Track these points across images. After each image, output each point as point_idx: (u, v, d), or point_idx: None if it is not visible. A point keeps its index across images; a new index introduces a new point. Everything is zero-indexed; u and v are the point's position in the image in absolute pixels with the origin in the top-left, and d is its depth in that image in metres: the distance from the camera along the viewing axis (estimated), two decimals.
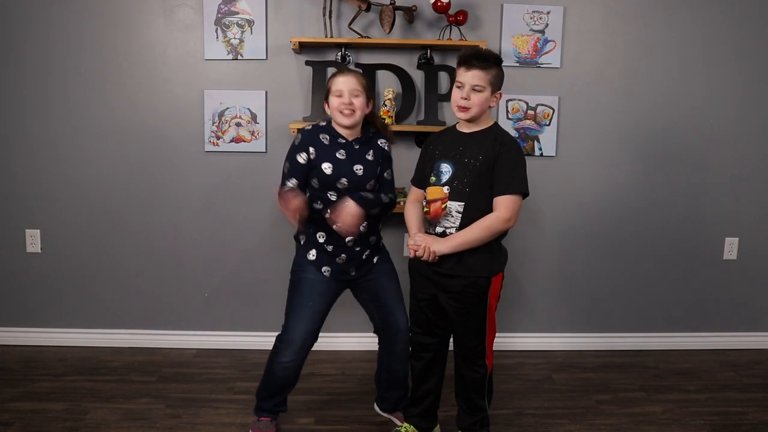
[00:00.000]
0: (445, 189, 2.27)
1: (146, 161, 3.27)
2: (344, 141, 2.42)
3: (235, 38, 3.18)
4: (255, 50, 3.18)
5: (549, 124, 3.31)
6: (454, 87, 2.27)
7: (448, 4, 3.01)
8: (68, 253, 3.33)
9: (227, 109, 3.22)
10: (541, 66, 3.27)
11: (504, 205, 2.21)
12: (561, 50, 3.26)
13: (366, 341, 3.36)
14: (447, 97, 3.23)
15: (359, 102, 2.37)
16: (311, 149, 2.38)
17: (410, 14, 3.10)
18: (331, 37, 3.08)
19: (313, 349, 3.27)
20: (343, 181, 2.38)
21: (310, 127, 2.44)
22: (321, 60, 3.17)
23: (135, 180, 3.28)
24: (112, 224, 3.31)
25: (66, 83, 3.19)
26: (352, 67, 3.19)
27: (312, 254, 2.44)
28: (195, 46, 3.19)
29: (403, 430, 2.53)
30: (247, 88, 3.20)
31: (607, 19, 3.26)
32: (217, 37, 3.17)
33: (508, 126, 3.27)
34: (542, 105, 3.29)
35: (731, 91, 3.36)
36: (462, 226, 2.24)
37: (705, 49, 3.31)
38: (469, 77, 2.21)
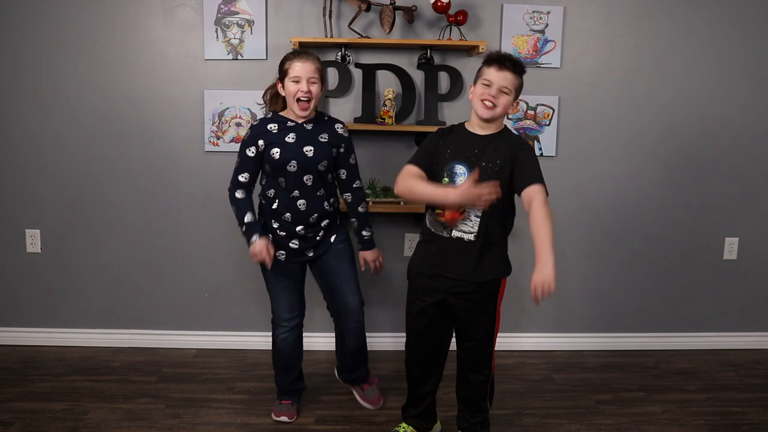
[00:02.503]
0: None
1: (146, 161, 3.27)
2: (294, 123, 2.48)
3: (235, 38, 3.18)
4: (255, 50, 3.18)
5: (549, 124, 3.31)
6: (479, 83, 2.23)
7: (448, 4, 3.01)
8: (68, 253, 3.33)
9: (227, 109, 3.22)
10: (541, 66, 3.27)
11: (539, 190, 2.18)
12: (561, 50, 3.26)
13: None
14: (447, 97, 3.24)
15: (316, 89, 2.43)
16: (260, 141, 2.45)
17: (410, 14, 3.10)
18: (331, 37, 3.08)
19: (312, 348, 3.29)
20: (293, 164, 2.43)
21: (257, 122, 2.53)
22: (321, 60, 3.16)
23: (135, 180, 3.28)
24: (112, 224, 3.31)
25: (66, 83, 3.19)
26: (351, 67, 3.19)
27: (269, 237, 2.52)
28: (195, 46, 3.19)
29: (401, 430, 2.53)
30: (247, 88, 3.20)
31: (607, 19, 3.26)
32: (217, 37, 3.17)
33: (508, 126, 3.26)
34: (542, 105, 3.29)
35: (732, 91, 3.36)
36: (481, 232, 2.22)
37: (705, 48, 3.31)
38: (500, 78, 2.19)
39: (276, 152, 2.43)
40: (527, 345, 3.47)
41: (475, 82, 2.27)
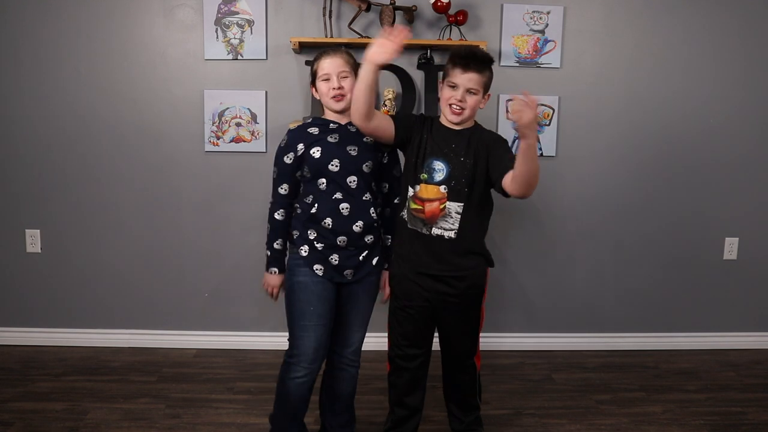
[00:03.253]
0: (442, 188, 2.19)
1: (146, 161, 3.27)
2: (337, 125, 2.25)
3: (235, 38, 3.18)
4: (255, 50, 3.18)
5: (549, 124, 3.31)
6: (446, 85, 2.19)
7: (448, 4, 3.01)
8: (68, 253, 3.33)
9: (227, 109, 3.22)
10: (541, 66, 3.27)
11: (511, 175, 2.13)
12: (561, 50, 3.26)
13: (365, 341, 3.35)
14: None
15: (349, 83, 2.20)
16: (299, 146, 2.22)
17: (410, 14, 3.10)
18: (331, 37, 3.08)
19: None
20: (335, 162, 2.19)
21: (296, 127, 2.30)
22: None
23: (135, 180, 3.28)
24: (112, 224, 3.31)
25: (66, 83, 3.19)
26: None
27: (304, 250, 2.24)
28: (195, 46, 3.19)
29: None
30: (247, 88, 3.20)
31: (607, 19, 3.26)
32: (217, 37, 3.17)
33: (508, 126, 3.27)
34: (542, 105, 3.29)
35: (732, 91, 3.36)
36: (461, 228, 2.19)
37: (705, 48, 3.31)
38: (465, 80, 2.14)
39: (317, 151, 2.19)
40: (527, 345, 3.47)
41: (442, 80, 2.23)
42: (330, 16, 3.05)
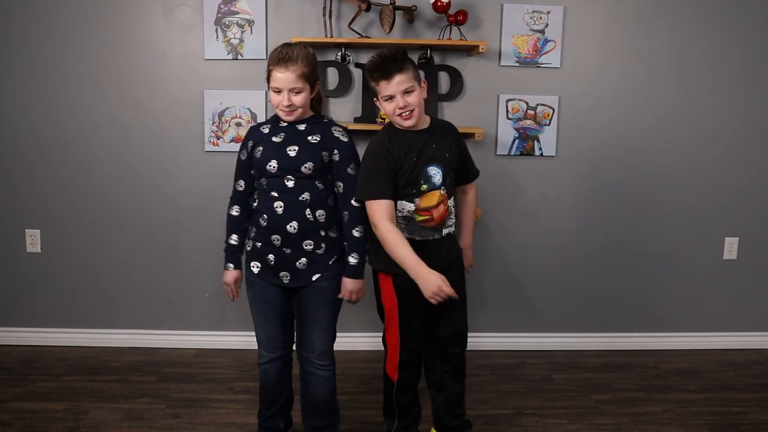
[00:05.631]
0: (443, 190, 2.23)
1: (146, 161, 3.27)
2: (285, 124, 2.24)
3: (235, 38, 3.18)
4: (255, 50, 3.18)
5: (549, 124, 3.31)
6: (382, 101, 2.16)
7: (448, 4, 3.01)
8: (68, 253, 3.33)
9: (227, 109, 3.22)
10: (541, 66, 3.27)
11: (474, 186, 2.49)
12: (561, 50, 3.26)
13: (366, 341, 3.36)
14: (447, 97, 3.24)
15: (300, 99, 2.16)
16: (250, 143, 2.27)
17: (410, 14, 3.10)
18: (331, 37, 3.08)
19: None
20: (273, 163, 2.19)
21: (254, 125, 2.40)
22: (321, 60, 3.16)
23: (135, 180, 3.28)
24: (112, 224, 3.31)
25: (65, 83, 3.19)
26: (351, 67, 3.19)
27: (248, 245, 2.32)
28: (195, 46, 3.19)
29: None
30: (247, 88, 3.20)
31: (607, 19, 3.26)
32: (217, 37, 3.17)
33: (507, 126, 3.27)
34: (542, 105, 3.29)
35: (732, 91, 3.35)
36: (452, 219, 2.33)
37: (705, 48, 3.31)
38: (395, 85, 2.10)
39: (259, 150, 2.23)
40: (527, 345, 3.47)
41: (377, 98, 2.19)
42: (330, 16, 3.05)
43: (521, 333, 3.49)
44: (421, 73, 2.41)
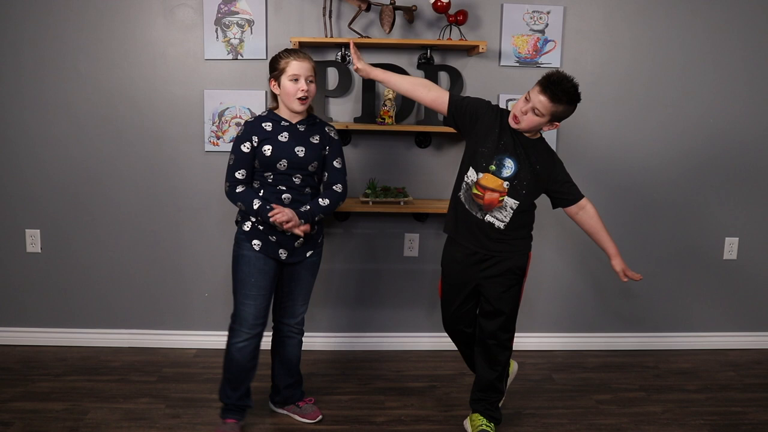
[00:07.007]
0: (506, 184, 2.37)
1: (146, 161, 3.26)
2: (288, 123, 2.46)
3: (235, 38, 3.18)
4: (255, 50, 3.18)
5: None
6: (523, 97, 2.34)
7: (448, 4, 3.01)
8: (68, 253, 3.33)
9: (227, 109, 3.22)
10: (541, 66, 3.27)
11: (588, 203, 2.57)
12: (561, 50, 3.26)
13: (366, 341, 3.36)
14: None
15: (313, 89, 2.44)
16: (254, 138, 2.43)
17: (410, 14, 3.10)
18: (331, 37, 3.08)
19: (313, 348, 3.29)
20: (283, 162, 2.42)
21: (252, 119, 2.51)
22: (321, 60, 3.17)
23: (135, 180, 3.28)
24: (112, 224, 3.31)
25: (66, 83, 3.19)
26: (351, 67, 3.19)
27: (247, 226, 2.48)
28: (195, 46, 3.19)
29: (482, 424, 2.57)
30: (247, 88, 3.20)
31: (607, 19, 3.26)
32: (217, 37, 3.17)
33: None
34: None
35: (732, 91, 3.36)
36: (511, 223, 2.40)
37: (706, 48, 3.31)
38: (536, 100, 2.28)
39: (268, 149, 2.41)
40: (527, 345, 3.47)
41: (528, 94, 2.34)
42: (330, 16, 3.05)
43: (521, 333, 3.47)
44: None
